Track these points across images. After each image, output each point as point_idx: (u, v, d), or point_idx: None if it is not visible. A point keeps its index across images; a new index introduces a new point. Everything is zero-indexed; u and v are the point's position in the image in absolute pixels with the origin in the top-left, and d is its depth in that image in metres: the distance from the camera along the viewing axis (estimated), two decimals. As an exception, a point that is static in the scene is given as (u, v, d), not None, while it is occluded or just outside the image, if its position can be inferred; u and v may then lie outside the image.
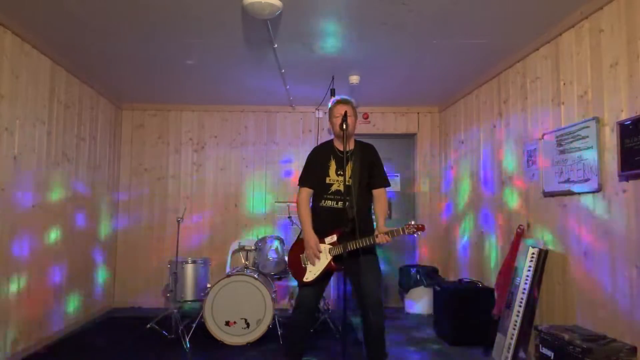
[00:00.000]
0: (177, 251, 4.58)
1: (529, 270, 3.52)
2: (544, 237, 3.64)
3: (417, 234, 2.97)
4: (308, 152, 3.37)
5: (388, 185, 3.24)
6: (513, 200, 4.15)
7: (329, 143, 3.29)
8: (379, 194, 3.20)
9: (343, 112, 3.02)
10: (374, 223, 3.18)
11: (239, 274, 4.26)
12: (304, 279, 3.09)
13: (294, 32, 3.70)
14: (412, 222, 2.95)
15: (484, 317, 3.98)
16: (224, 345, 4.12)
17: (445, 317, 4.40)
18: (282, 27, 3.59)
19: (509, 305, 3.63)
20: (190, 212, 5.90)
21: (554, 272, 3.50)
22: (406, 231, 2.92)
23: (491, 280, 4.33)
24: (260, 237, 4.92)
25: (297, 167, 5.88)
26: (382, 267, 3.31)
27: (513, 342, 3.47)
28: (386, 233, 2.93)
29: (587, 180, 3.12)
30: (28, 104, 3.83)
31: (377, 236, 2.94)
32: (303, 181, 3.25)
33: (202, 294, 4.46)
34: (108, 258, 5.61)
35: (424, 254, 5.97)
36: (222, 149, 6.06)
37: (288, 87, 5.15)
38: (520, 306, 3.50)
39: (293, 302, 3.98)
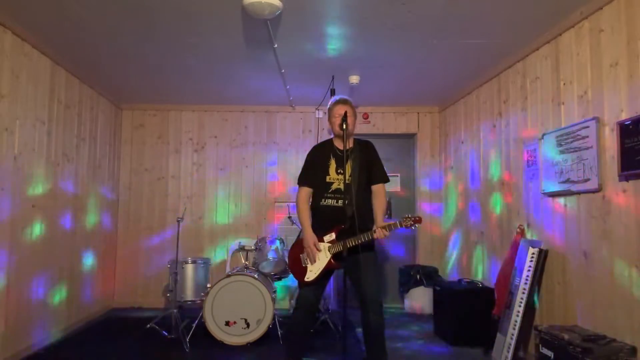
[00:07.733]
0: (177, 251, 4.58)
1: (529, 270, 3.52)
2: (544, 237, 3.64)
3: (414, 227, 2.97)
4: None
5: (387, 181, 3.25)
6: (513, 200, 4.15)
7: (329, 142, 3.29)
8: (377, 189, 3.20)
9: (343, 112, 3.04)
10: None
11: (239, 274, 4.26)
12: (305, 279, 3.09)
13: (294, 32, 3.70)
14: (409, 215, 2.96)
15: (484, 317, 3.98)
16: (224, 345, 4.12)
17: (445, 317, 4.40)
18: (282, 27, 3.59)
19: (509, 305, 3.63)
20: (190, 212, 5.90)
21: (554, 272, 3.50)
22: (403, 224, 2.93)
23: (491, 280, 4.33)
24: (260, 237, 4.92)
25: (297, 167, 5.87)
26: (382, 267, 3.30)
27: (513, 342, 3.47)
28: (383, 227, 2.94)
29: (587, 180, 3.12)
30: (28, 104, 3.83)
31: (374, 231, 2.95)
32: (302, 180, 3.25)
33: (202, 294, 4.46)
34: (108, 258, 5.61)
35: (424, 254, 5.97)
36: (222, 149, 6.07)
37: (288, 87, 5.15)
38: (520, 306, 3.50)
39: (293, 302, 3.97)
